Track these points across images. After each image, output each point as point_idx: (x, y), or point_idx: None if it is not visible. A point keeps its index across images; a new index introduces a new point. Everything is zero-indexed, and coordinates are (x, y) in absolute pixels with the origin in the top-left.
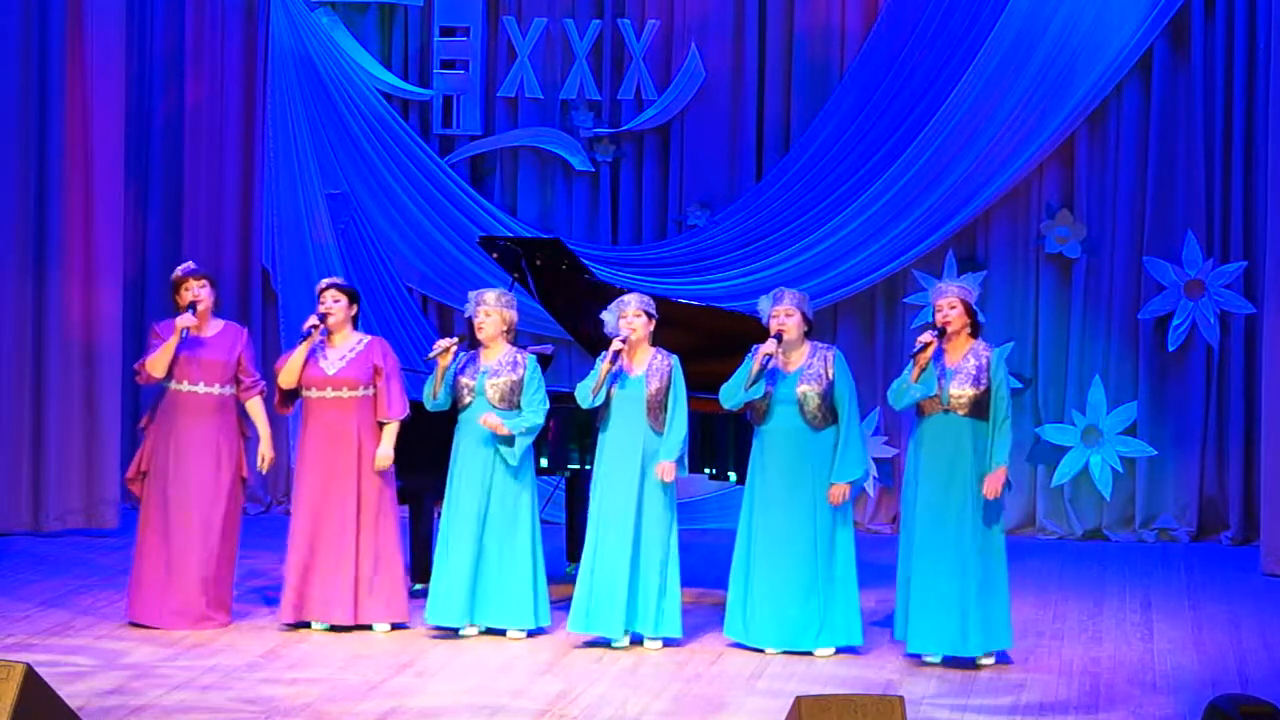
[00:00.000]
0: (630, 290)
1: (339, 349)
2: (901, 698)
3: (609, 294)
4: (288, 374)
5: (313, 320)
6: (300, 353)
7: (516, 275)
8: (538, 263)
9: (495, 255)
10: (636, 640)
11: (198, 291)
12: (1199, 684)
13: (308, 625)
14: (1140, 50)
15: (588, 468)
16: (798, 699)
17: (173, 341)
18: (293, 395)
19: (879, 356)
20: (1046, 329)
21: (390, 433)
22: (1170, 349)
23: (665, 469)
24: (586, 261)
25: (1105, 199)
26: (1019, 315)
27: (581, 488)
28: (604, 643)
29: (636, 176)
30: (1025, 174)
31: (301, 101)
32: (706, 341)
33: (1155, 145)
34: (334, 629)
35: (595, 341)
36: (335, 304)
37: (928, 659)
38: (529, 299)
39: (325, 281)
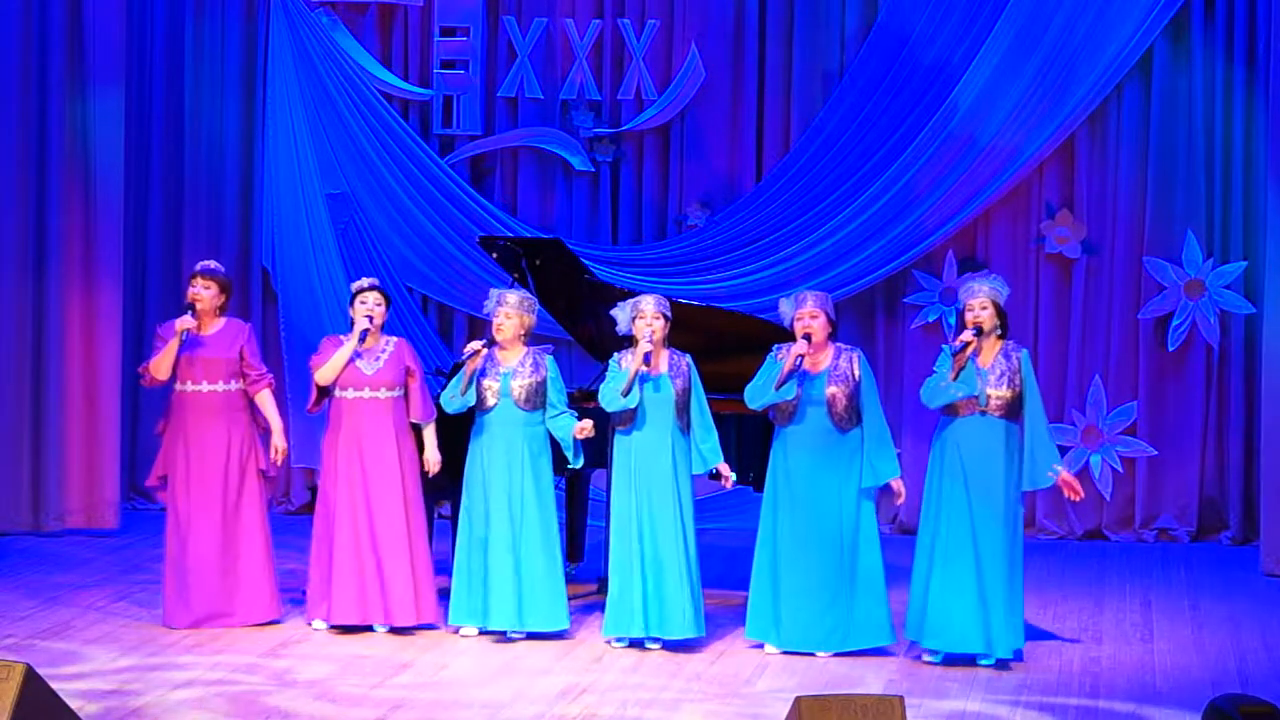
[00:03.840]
0: (631, 290)
1: (373, 350)
2: (901, 698)
3: (609, 294)
4: (329, 372)
5: (364, 324)
6: (347, 352)
7: (516, 275)
8: (538, 263)
9: (495, 255)
10: (637, 642)
11: (198, 291)
12: (1199, 684)
13: (367, 628)
14: (1140, 50)
15: (587, 468)
16: (798, 699)
17: (173, 344)
18: (325, 394)
19: (879, 356)
20: (1046, 329)
21: (432, 435)
22: (1170, 349)
23: (727, 470)
24: (587, 261)
25: (1105, 199)
26: (1019, 315)
27: (581, 488)
28: (638, 643)
29: (636, 176)
30: (1025, 174)
31: (301, 101)
32: (707, 341)
33: (1155, 145)
34: (338, 629)
35: (595, 342)
36: (378, 307)
37: (926, 658)
38: None
39: (365, 282)
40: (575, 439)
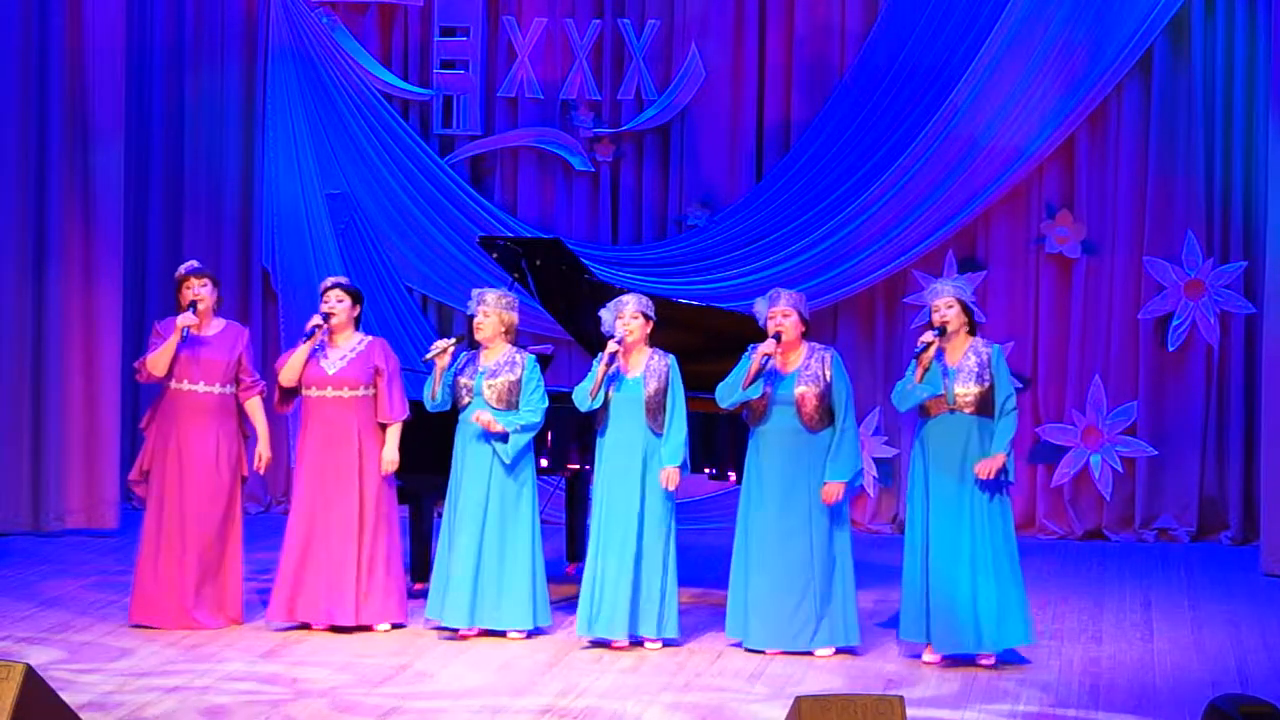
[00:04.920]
0: (630, 290)
1: (340, 349)
2: (901, 698)
3: (609, 294)
4: (288, 372)
5: (316, 320)
6: (302, 352)
7: (516, 275)
8: (538, 263)
9: (495, 255)
10: (636, 641)
11: (199, 290)
12: (1199, 684)
13: (305, 626)
14: (1140, 50)
15: (587, 468)
16: (798, 699)
17: (173, 340)
18: (292, 394)
19: (879, 356)
20: (1046, 329)
21: (394, 435)
22: (1170, 349)
23: (670, 476)
24: (586, 261)
25: (1105, 199)
26: (1019, 315)
27: (581, 488)
28: (604, 643)
29: (636, 176)
30: (1025, 174)
31: (301, 101)
32: (706, 341)
33: (1155, 145)
34: (334, 629)
35: (595, 342)
36: (339, 304)
37: (928, 658)
38: (529, 299)
39: (329, 281)
40: (488, 431)
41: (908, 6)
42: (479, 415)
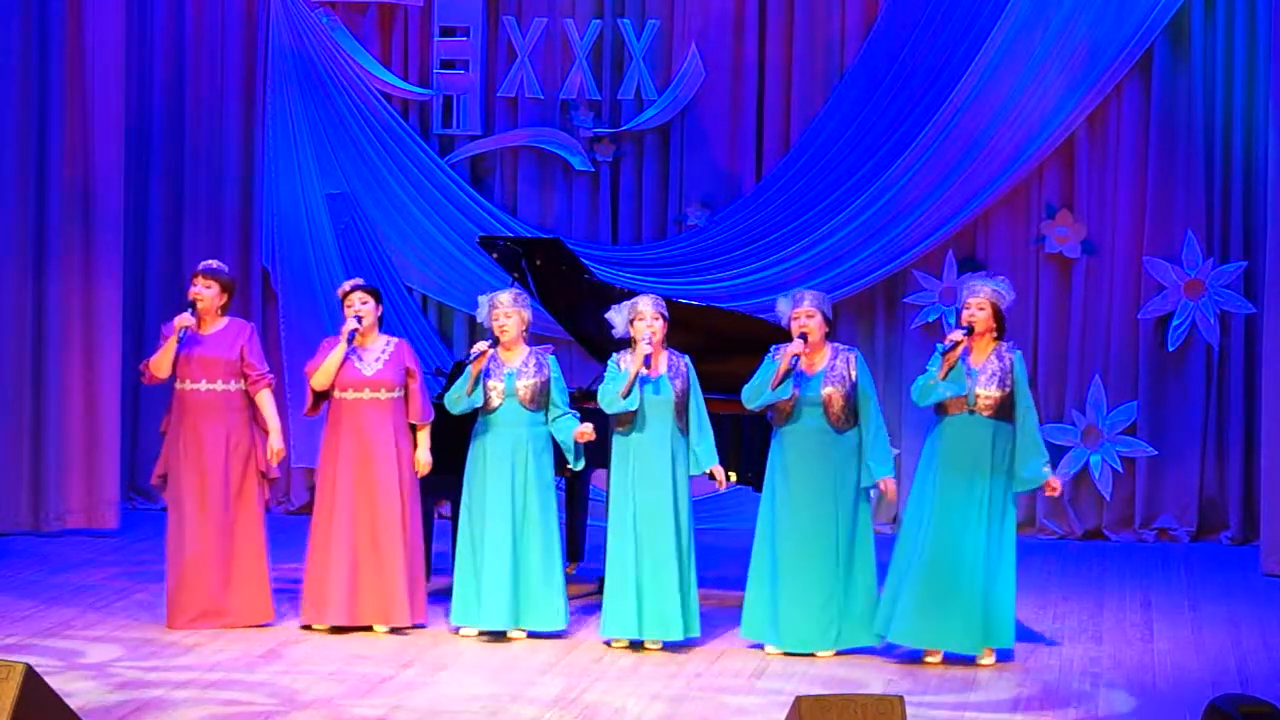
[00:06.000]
0: (632, 290)
1: (372, 350)
2: (901, 698)
3: (609, 294)
4: (323, 376)
5: (352, 324)
6: (338, 355)
7: (516, 275)
8: (538, 263)
9: (495, 255)
10: (636, 641)
11: (200, 290)
12: (1199, 684)
13: (336, 630)
14: (1140, 50)
15: (588, 468)
16: (798, 699)
17: (171, 341)
18: (323, 398)
19: (879, 357)
20: (1046, 329)
21: (425, 437)
22: (1170, 349)
23: (720, 473)
24: (586, 261)
25: (1105, 199)
26: (1019, 315)
27: (581, 488)
28: (604, 643)
29: (636, 176)
30: (1025, 174)
31: (301, 101)
32: (706, 342)
33: (1155, 145)
34: (334, 629)
35: (595, 342)
36: (365, 306)
37: (929, 658)
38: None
39: (349, 284)
40: (576, 442)
41: (908, 6)
42: (584, 432)
